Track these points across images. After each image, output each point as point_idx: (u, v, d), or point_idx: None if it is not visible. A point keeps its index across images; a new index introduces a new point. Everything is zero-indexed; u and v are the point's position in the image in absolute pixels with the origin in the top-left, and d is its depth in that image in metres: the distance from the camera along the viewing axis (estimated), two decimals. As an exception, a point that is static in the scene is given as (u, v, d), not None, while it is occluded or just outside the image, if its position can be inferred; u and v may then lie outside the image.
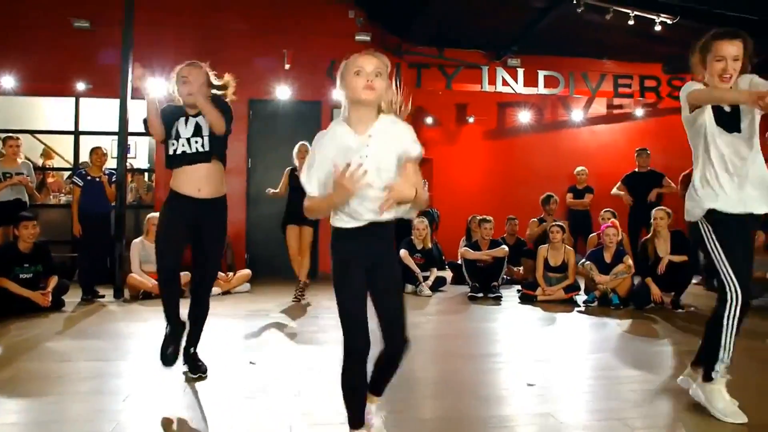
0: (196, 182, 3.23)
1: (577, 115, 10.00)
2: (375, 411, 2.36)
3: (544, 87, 9.33)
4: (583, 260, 6.41)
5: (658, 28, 7.53)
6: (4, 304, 5.14)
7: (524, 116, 10.03)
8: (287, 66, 8.16)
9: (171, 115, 3.31)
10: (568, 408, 2.98)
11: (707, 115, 2.75)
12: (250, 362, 3.73)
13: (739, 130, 2.72)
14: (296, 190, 6.24)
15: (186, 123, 3.28)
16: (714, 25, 7.60)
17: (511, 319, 5.59)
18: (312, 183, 2.15)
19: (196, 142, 3.25)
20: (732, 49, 2.68)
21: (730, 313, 2.69)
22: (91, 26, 7.97)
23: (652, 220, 6.13)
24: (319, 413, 2.84)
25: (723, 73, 2.68)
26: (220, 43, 8.11)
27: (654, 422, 2.76)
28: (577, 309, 5.98)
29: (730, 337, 2.71)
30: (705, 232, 2.80)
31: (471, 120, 10.48)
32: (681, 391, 3.07)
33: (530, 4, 7.96)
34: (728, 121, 2.73)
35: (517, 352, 4.22)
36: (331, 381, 3.34)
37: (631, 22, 7.43)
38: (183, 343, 3.32)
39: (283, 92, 8.32)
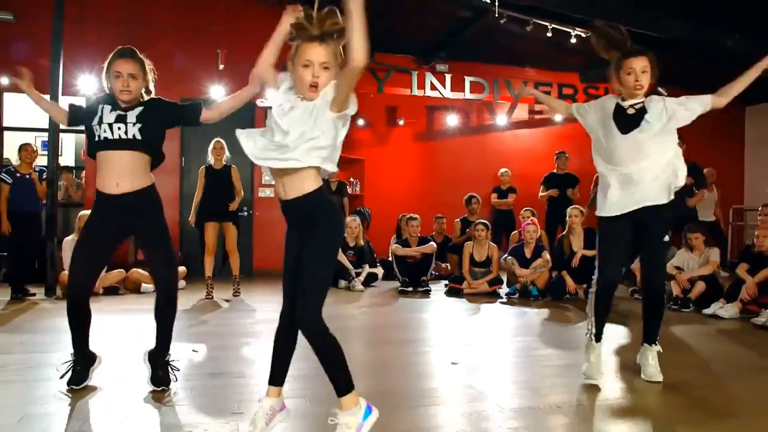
0: (114, 176, 2.95)
1: (501, 119, 10.56)
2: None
3: (470, 92, 9.82)
4: (506, 255, 6.88)
5: (573, 40, 8.14)
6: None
7: (452, 120, 10.50)
8: (221, 66, 8.24)
9: (96, 103, 3.08)
10: (492, 381, 3.33)
11: None
12: (193, 350, 3.89)
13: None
14: (213, 186, 6.42)
15: (111, 110, 2.99)
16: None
17: (439, 310, 5.97)
18: None
19: (119, 128, 2.95)
20: (640, 63, 3.10)
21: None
22: (15, 18, 7.77)
23: (567, 218, 6.66)
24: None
25: (635, 83, 3.10)
26: (151, 40, 8.05)
27: (566, 390, 3.16)
28: (499, 300, 6.43)
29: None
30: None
31: (401, 122, 10.84)
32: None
33: (455, 13, 8.41)
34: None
35: (444, 338, 4.57)
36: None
37: (549, 34, 8.00)
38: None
39: (216, 92, 8.39)
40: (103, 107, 3.01)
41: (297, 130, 2.15)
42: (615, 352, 4.03)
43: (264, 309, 5.72)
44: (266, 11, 8.72)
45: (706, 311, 5.46)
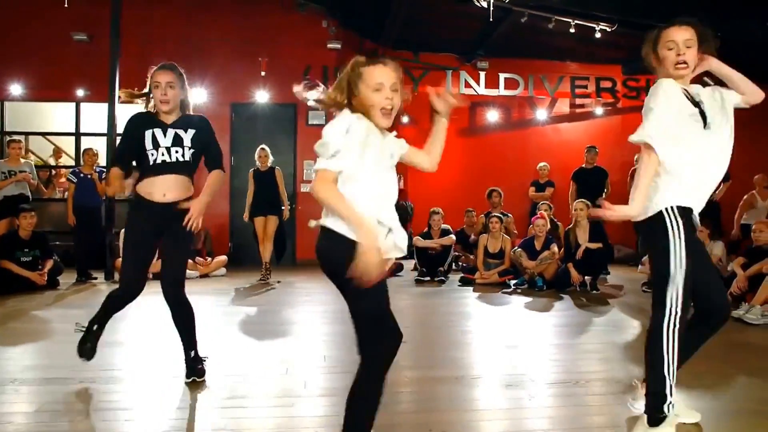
0: (163, 188, 3.12)
1: (541, 114, 10.69)
2: None
3: (505, 88, 10.05)
4: (516, 248, 7.16)
5: (598, 35, 8.22)
6: (7, 283, 6.06)
7: (493, 115, 10.76)
8: (263, 73, 9.00)
9: (141, 127, 3.15)
10: (414, 350, 3.79)
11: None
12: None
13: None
14: (259, 187, 7.35)
15: (164, 133, 3.14)
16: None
17: (443, 296, 6.40)
18: (339, 158, 1.91)
19: (177, 152, 3.14)
20: (682, 34, 2.45)
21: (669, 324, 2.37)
22: (89, 39, 8.91)
23: (573, 211, 6.86)
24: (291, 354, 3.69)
25: (677, 60, 2.43)
26: (204, 53, 8.99)
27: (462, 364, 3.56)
28: (502, 290, 6.73)
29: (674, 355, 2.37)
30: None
31: (444, 119, 11.23)
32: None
33: (485, 14, 8.68)
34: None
35: (412, 317, 5.04)
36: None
37: (572, 30, 8.13)
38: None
39: (261, 96, 9.18)
40: (153, 131, 3.11)
41: None
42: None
43: (289, 291, 6.41)
44: (300, 19, 9.39)
45: (695, 304, 5.55)
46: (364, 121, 1.98)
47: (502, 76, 10.03)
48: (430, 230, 8.40)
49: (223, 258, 8.06)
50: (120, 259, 7.21)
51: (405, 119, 11.24)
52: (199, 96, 8.94)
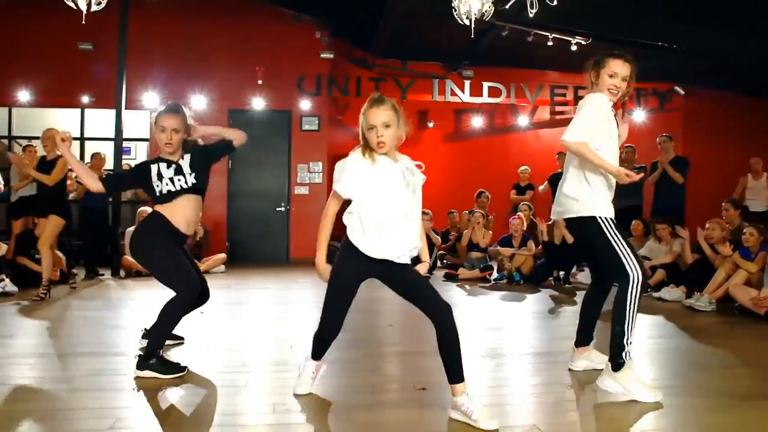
0: (185, 219, 3.35)
1: (523, 120, 11.27)
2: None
3: (488, 96, 10.61)
4: (494, 245, 7.72)
5: (574, 48, 8.79)
6: (23, 278, 6.52)
7: (477, 122, 11.31)
8: (259, 82, 9.50)
9: (147, 164, 3.41)
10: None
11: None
12: (200, 312, 5.08)
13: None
14: None
15: (168, 166, 3.34)
16: (623, 48, 8.87)
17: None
18: (343, 183, 2.53)
19: (179, 180, 3.33)
20: (624, 69, 2.98)
21: (632, 290, 2.85)
22: (93, 48, 9.38)
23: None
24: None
25: (612, 87, 2.97)
26: (204, 62, 9.51)
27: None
28: (480, 284, 7.27)
29: (635, 315, 2.87)
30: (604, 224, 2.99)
31: (431, 125, 11.78)
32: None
33: (468, 28, 9.22)
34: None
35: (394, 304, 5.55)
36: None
37: (550, 43, 8.70)
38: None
39: (258, 103, 9.68)
40: (158, 165, 3.34)
41: None
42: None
43: (269, 286, 6.91)
44: (295, 30, 9.88)
45: (654, 294, 6.11)
46: (356, 158, 2.55)
47: (485, 85, 10.58)
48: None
49: (222, 256, 8.54)
50: (126, 256, 7.78)
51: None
52: (198, 102, 9.45)
